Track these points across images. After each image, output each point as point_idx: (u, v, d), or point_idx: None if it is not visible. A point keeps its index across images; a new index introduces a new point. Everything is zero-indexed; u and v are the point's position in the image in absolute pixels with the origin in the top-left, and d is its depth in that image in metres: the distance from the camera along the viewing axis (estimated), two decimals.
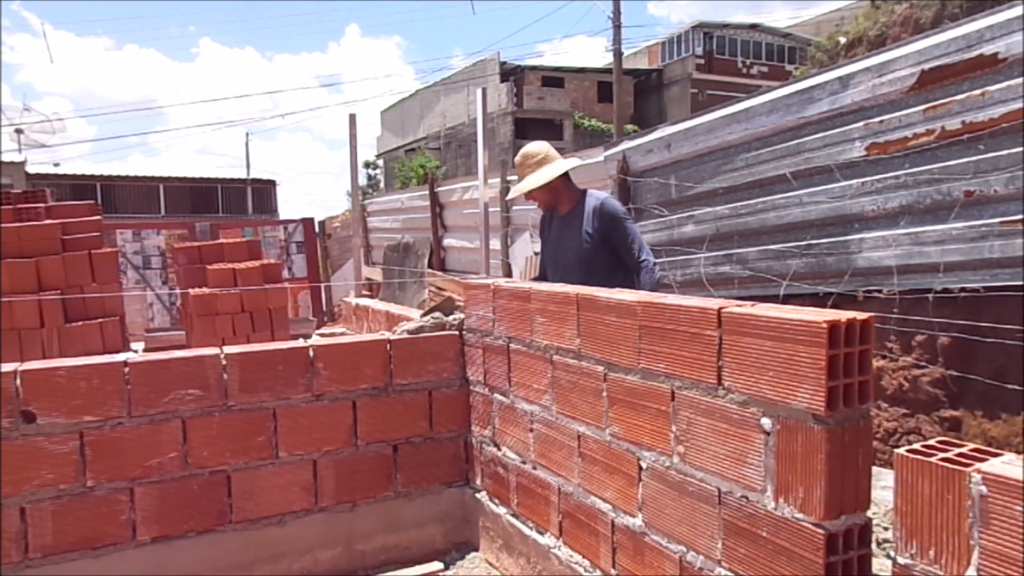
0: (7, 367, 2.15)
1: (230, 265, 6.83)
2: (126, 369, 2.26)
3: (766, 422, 1.51)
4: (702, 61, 32.97)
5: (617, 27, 21.74)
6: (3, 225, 5.29)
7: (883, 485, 2.35)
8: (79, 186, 25.73)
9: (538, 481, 2.37)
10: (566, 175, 3.33)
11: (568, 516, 2.22)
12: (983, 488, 1.12)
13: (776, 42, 34.29)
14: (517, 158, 3.43)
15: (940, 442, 1.26)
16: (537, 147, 3.40)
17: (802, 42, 28.97)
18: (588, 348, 2.08)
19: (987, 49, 3.57)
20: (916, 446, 1.26)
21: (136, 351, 5.16)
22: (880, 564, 1.76)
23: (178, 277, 7.67)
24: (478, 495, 2.73)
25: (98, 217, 5.94)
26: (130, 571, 2.27)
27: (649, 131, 6.05)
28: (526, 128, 31.67)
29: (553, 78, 33.43)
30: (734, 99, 5.26)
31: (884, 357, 4.17)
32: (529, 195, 3.36)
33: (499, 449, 2.60)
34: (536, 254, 8.14)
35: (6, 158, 23.52)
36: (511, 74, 32.95)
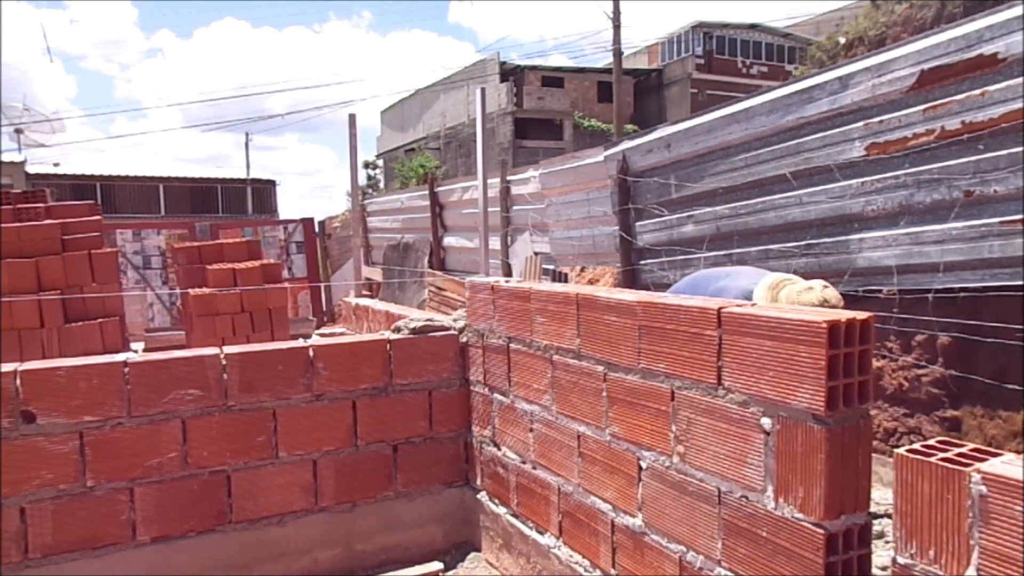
0: (7, 367, 2.15)
1: (230, 265, 6.83)
2: (126, 369, 2.26)
3: (766, 422, 1.51)
4: (702, 61, 32.96)
5: (617, 27, 21.74)
6: (3, 225, 5.29)
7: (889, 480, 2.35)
8: (79, 186, 25.72)
9: (538, 481, 2.37)
10: None
11: (568, 516, 2.22)
12: (983, 488, 1.12)
13: (776, 42, 34.28)
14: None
15: (940, 442, 1.26)
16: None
17: (802, 42, 28.96)
18: (588, 348, 2.08)
19: (987, 49, 3.57)
20: (916, 446, 1.27)
21: (136, 351, 5.16)
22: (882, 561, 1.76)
23: (178, 277, 7.67)
24: (478, 495, 2.74)
25: (98, 217, 5.93)
26: (130, 571, 2.28)
27: (649, 131, 6.05)
28: (526, 128, 31.69)
29: (553, 78, 33.42)
30: (734, 99, 5.25)
31: (884, 357, 4.17)
32: None
33: (499, 449, 2.60)
34: (536, 254, 8.14)
35: (6, 158, 23.52)
36: (511, 74, 32.94)
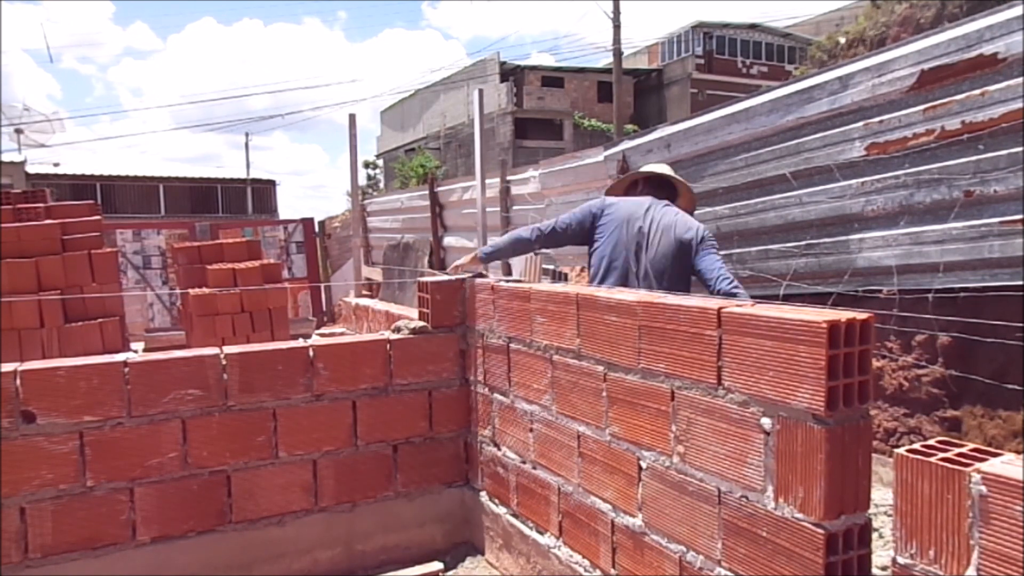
0: (7, 367, 2.15)
1: (230, 265, 6.83)
2: (126, 369, 2.26)
3: (766, 422, 1.51)
4: (702, 61, 32.97)
5: (617, 27, 21.74)
6: (3, 225, 5.29)
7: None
8: (79, 186, 25.70)
9: (538, 481, 2.37)
10: (660, 188, 3.21)
11: (568, 516, 2.22)
12: (983, 488, 1.12)
13: (776, 42, 34.29)
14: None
15: (940, 442, 1.26)
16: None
17: (802, 42, 28.98)
18: (588, 348, 2.08)
19: (987, 49, 3.57)
20: (916, 446, 1.26)
21: (136, 351, 5.15)
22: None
23: (178, 277, 7.67)
24: (478, 495, 2.74)
25: (98, 217, 5.93)
26: (130, 571, 2.28)
27: (649, 131, 6.04)
28: (526, 128, 31.68)
29: (553, 78, 33.43)
30: (734, 99, 5.25)
31: (884, 357, 4.17)
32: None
33: (499, 449, 2.60)
34: (536, 254, 8.14)
35: (6, 158, 23.51)
36: (511, 74, 32.95)
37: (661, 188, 3.20)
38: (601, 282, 2.94)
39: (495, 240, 2.93)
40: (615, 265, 2.92)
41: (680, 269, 2.90)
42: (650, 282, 2.86)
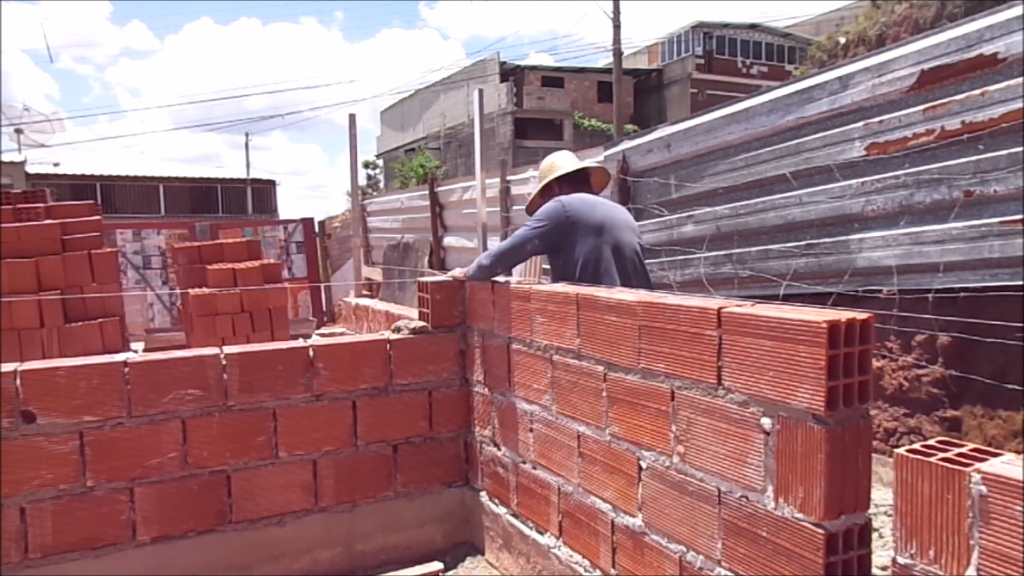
0: (7, 367, 2.15)
1: (230, 265, 6.83)
2: (126, 369, 2.26)
3: (766, 422, 1.51)
4: (702, 61, 32.97)
5: (617, 27, 21.73)
6: (3, 225, 5.28)
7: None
8: (79, 186, 25.71)
9: (538, 481, 2.37)
10: (576, 181, 3.13)
11: (568, 516, 2.22)
12: (983, 488, 1.12)
13: (776, 42, 34.30)
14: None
15: (940, 442, 1.26)
16: (543, 164, 3.37)
17: (802, 42, 29.00)
18: (588, 348, 2.08)
19: (987, 49, 3.57)
20: (916, 446, 1.26)
21: (136, 351, 5.15)
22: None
23: (178, 277, 7.67)
24: (478, 495, 2.74)
25: (98, 217, 5.93)
26: (130, 571, 2.28)
27: (649, 131, 6.04)
28: (526, 128, 31.68)
29: (553, 78, 33.43)
30: (734, 99, 5.25)
31: (884, 357, 4.17)
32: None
33: (499, 449, 2.60)
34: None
35: (6, 158, 23.51)
36: (511, 74, 32.95)
37: (577, 181, 3.15)
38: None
39: (470, 269, 2.84)
40: (591, 268, 2.81)
41: (641, 259, 2.98)
42: (630, 281, 2.83)
